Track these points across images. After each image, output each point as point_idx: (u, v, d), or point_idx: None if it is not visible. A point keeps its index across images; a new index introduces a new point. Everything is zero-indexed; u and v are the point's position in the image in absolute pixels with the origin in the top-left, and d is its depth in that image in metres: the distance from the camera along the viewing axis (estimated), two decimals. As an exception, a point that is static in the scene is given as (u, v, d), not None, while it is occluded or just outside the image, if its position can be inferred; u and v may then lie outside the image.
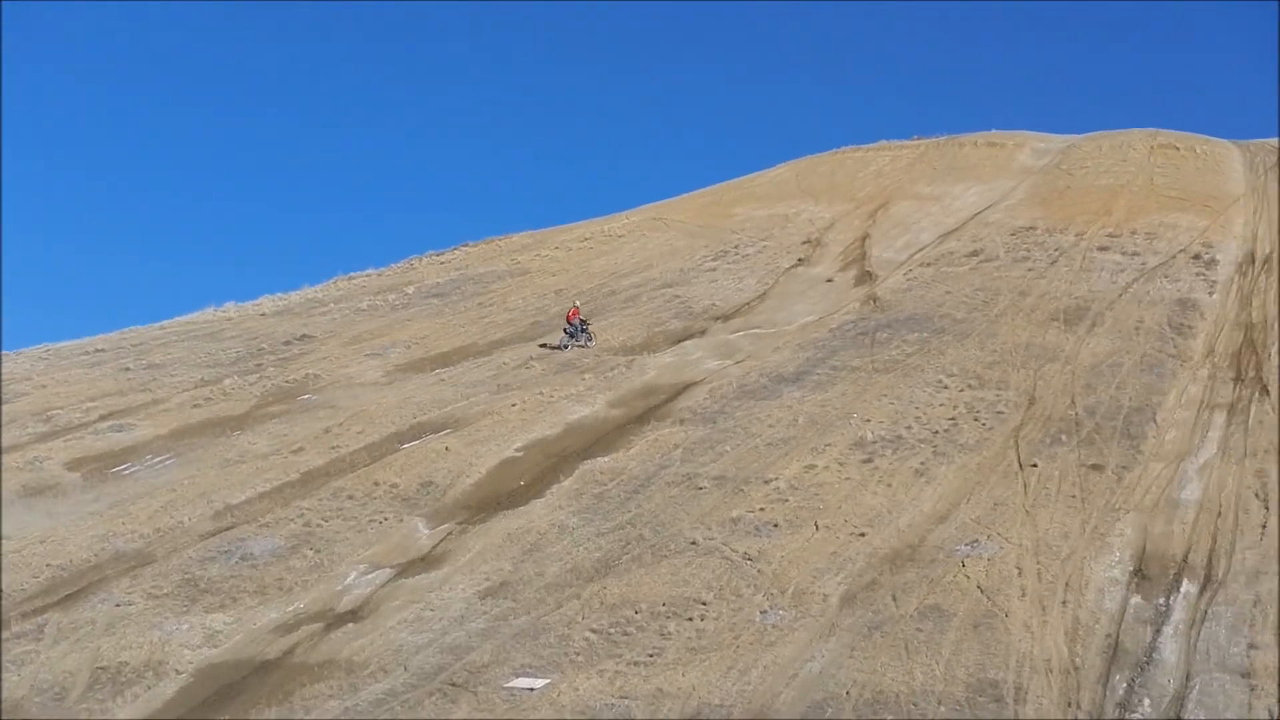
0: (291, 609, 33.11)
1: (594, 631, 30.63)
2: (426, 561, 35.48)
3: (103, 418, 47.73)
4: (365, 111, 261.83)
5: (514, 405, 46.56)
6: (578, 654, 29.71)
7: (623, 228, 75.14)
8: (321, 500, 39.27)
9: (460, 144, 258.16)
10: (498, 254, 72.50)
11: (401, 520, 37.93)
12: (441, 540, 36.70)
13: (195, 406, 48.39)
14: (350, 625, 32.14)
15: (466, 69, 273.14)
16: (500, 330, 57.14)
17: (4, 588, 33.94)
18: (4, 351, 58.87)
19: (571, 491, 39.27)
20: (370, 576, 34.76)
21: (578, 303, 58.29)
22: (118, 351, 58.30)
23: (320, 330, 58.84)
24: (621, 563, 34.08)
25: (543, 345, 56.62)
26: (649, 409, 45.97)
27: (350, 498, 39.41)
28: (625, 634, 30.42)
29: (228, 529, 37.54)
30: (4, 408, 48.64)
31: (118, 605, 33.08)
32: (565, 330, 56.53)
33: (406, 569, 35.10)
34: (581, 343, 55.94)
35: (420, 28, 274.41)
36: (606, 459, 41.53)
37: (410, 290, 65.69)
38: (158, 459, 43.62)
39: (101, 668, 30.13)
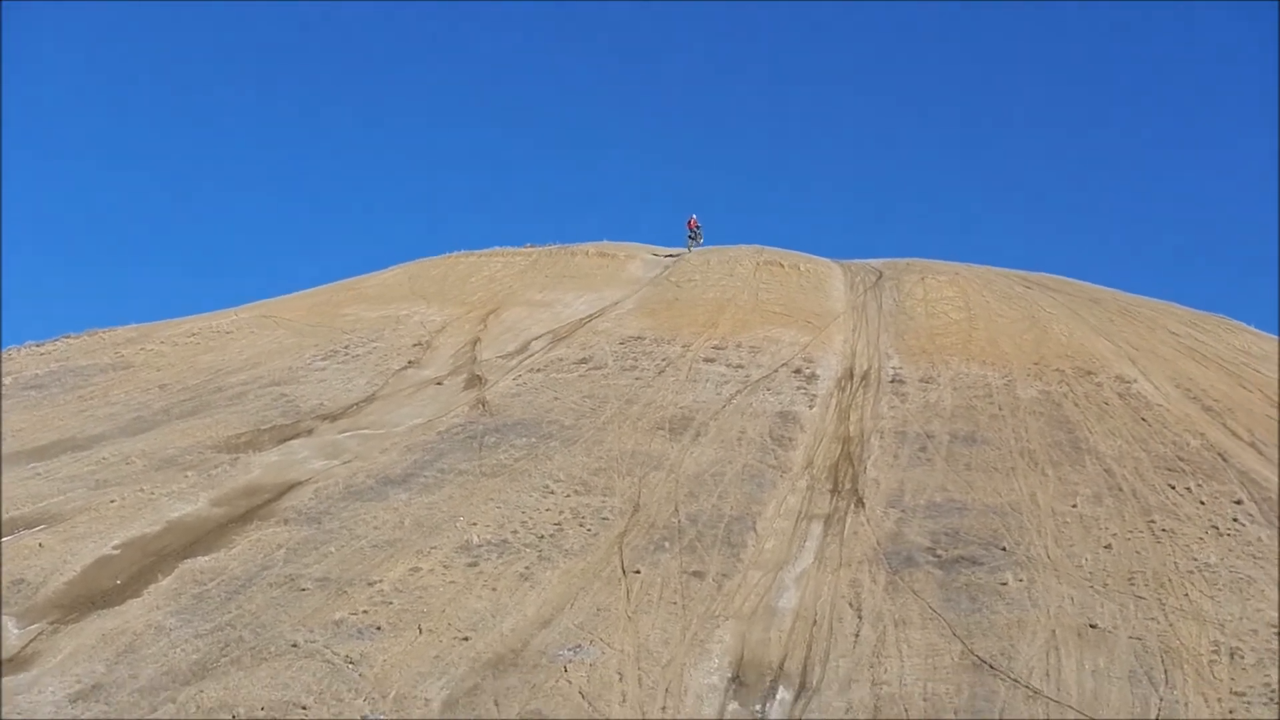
0: None
1: (189, 736, 30.01)
2: (15, 663, 34.26)
3: None
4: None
5: (113, 501, 45.33)
6: (172, 759, 29.09)
7: (231, 324, 73.92)
8: (-96, 598, 37.68)
9: (63, 233, 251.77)
10: (100, 347, 70.61)
11: (-11, 619, 36.64)
12: (32, 640, 35.48)
13: None
14: (-70, 729, 30.90)
15: (63, 160, 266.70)
16: (101, 424, 55.61)
17: None
18: None
19: (170, 591, 38.40)
20: (-46, 678, 33.45)
21: (694, 215, 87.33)
22: None
23: (-93, 421, 56.50)
24: (220, 665, 33.43)
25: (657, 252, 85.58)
26: (252, 508, 45.21)
27: (-65, 596, 37.90)
28: (222, 738, 29.88)
29: None
30: None
31: None
32: (690, 235, 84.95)
33: (-7, 670, 33.88)
34: (698, 242, 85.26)
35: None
36: (207, 558, 40.72)
37: (7, 382, 63.54)
38: None
39: None
